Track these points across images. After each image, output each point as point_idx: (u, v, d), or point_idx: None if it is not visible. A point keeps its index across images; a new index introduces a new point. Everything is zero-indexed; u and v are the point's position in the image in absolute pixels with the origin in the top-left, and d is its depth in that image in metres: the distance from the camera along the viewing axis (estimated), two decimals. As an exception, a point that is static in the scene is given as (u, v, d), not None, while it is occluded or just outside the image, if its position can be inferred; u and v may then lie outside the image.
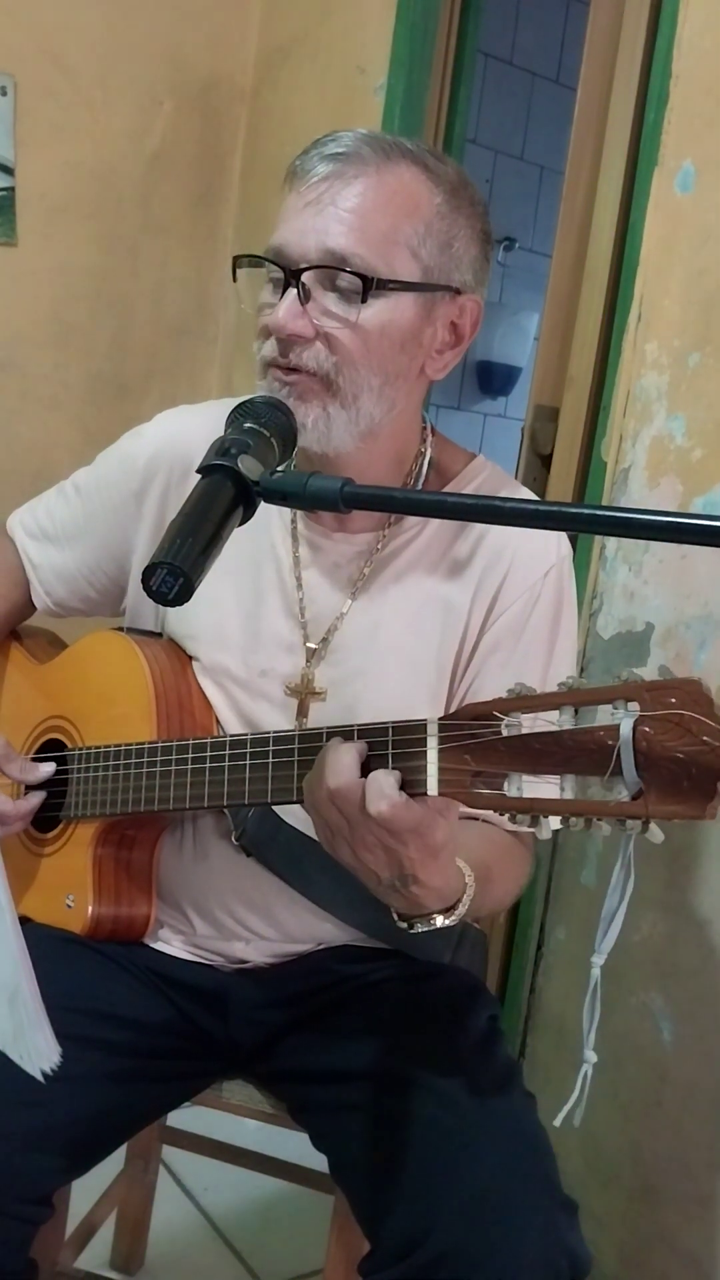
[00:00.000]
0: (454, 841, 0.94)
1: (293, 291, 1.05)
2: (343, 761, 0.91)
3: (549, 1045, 1.79)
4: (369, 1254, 1.03)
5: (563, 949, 1.77)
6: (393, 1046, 1.12)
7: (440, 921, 0.96)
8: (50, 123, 2.24)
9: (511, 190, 3.75)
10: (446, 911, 0.97)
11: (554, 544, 1.19)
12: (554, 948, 1.78)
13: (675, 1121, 1.56)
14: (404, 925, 0.98)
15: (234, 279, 1.12)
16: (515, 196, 3.77)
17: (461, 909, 0.97)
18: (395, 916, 0.98)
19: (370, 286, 1.04)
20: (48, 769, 1.22)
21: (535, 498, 1.34)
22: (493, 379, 3.95)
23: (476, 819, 1.16)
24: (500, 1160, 0.99)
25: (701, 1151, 1.53)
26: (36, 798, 1.22)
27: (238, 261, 1.12)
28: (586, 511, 0.88)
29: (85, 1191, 1.40)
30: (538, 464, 1.87)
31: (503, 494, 1.21)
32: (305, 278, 1.05)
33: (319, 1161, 1.17)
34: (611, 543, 1.67)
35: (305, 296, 1.05)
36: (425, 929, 0.97)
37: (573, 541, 1.25)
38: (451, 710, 1.17)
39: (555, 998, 1.79)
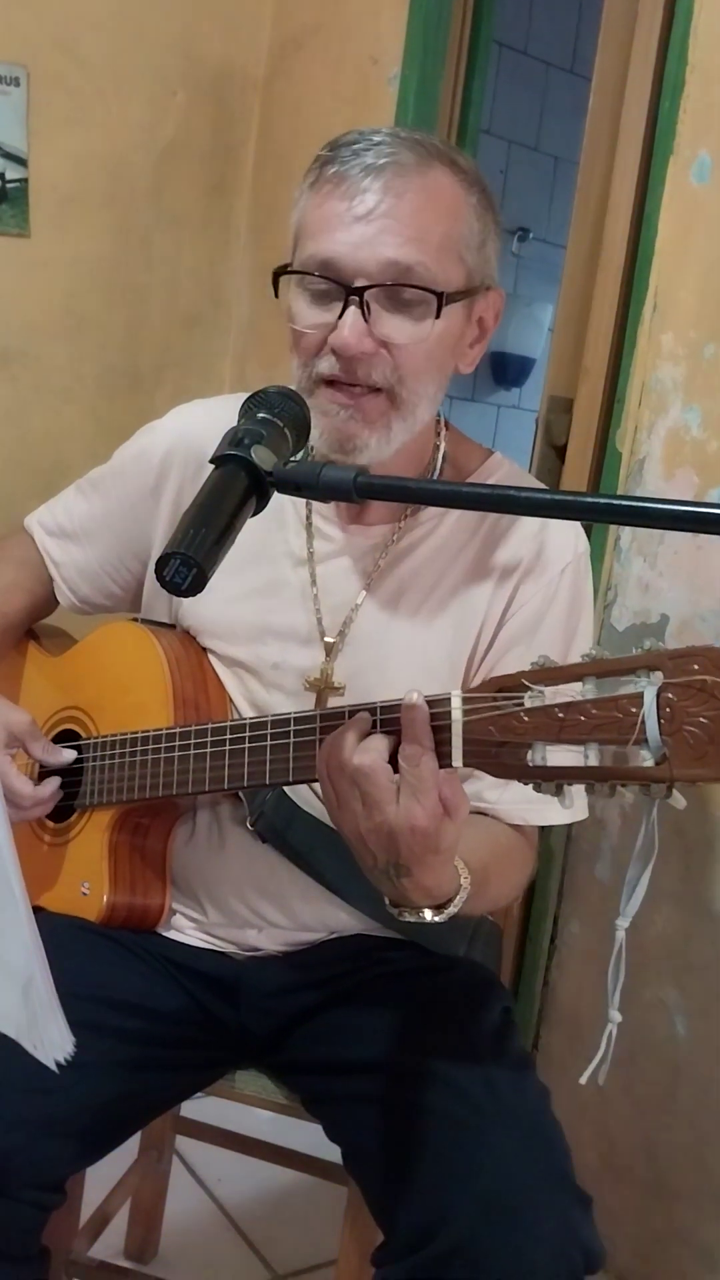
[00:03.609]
0: (456, 845, 0.94)
1: (355, 310, 1.03)
2: (373, 744, 0.91)
3: (562, 1038, 1.79)
4: (382, 1245, 1.04)
5: (576, 943, 1.77)
6: (407, 1038, 1.12)
7: (429, 916, 0.97)
8: (63, 114, 2.24)
9: (526, 181, 3.74)
10: (436, 909, 0.97)
11: (571, 540, 1.18)
12: (568, 941, 1.78)
13: (690, 1116, 1.56)
14: (393, 911, 0.98)
15: (275, 294, 1.09)
16: (530, 187, 3.76)
17: (452, 909, 0.97)
18: (386, 901, 0.99)
19: (443, 302, 1.04)
20: (69, 754, 1.22)
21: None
22: (507, 370, 3.94)
23: (484, 814, 1.16)
24: (514, 1153, 0.99)
25: (716, 1146, 1.52)
26: (54, 784, 1.21)
27: (280, 273, 1.09)
28: (603, 501, 0.88)
29: (99, 1181, 1.40)
30: (552, 455, 1.86)
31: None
32: (368, 295, 1.03)
33: (332, 1152, 1.17)
34: (626, 534, 1.66)
35: (366, 311, 1.04)
36: (413, 920, 0.97)
37: (588, 533, 1.24)
38: None
39: (569, 991, 1.78)
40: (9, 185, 2.20)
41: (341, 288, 1.04)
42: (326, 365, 1.06)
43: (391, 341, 1.05)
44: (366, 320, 1.04)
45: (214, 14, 2.38)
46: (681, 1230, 1.58)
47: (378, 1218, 1.06)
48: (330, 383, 1.07)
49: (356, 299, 1.03)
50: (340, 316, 1.04)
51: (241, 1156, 1.62)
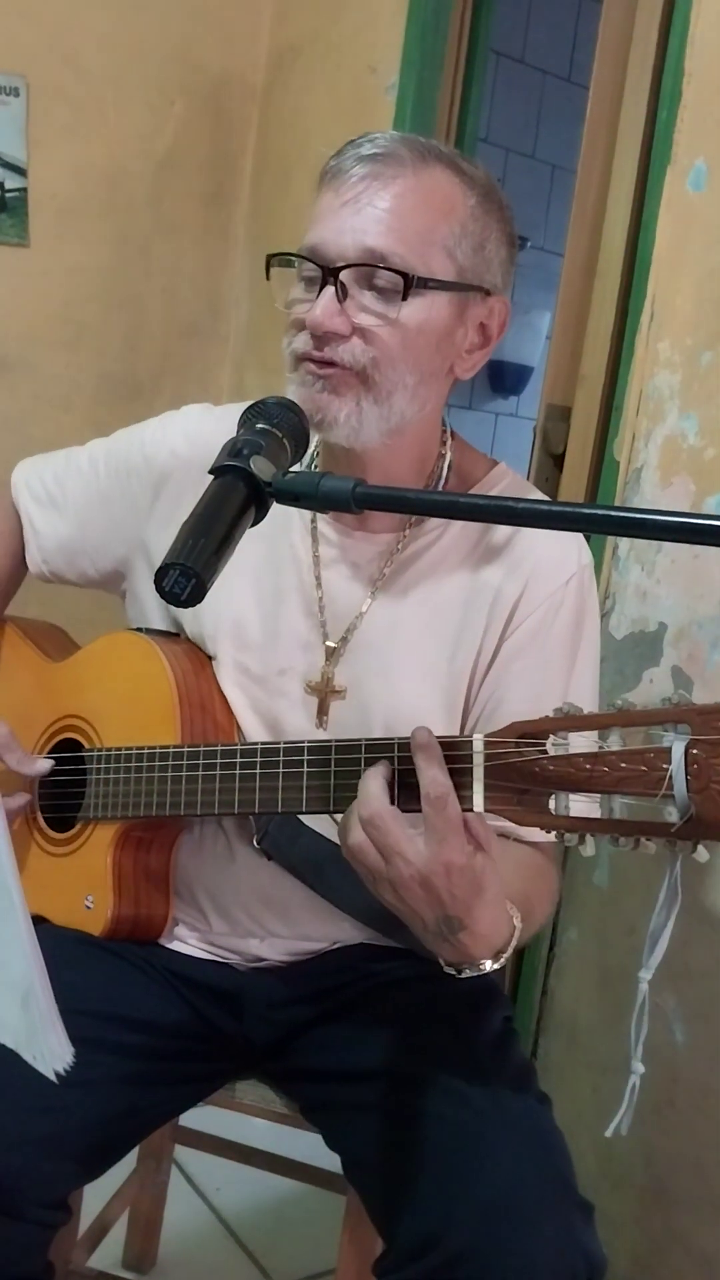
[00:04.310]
0: (499, 880, 0.93)
1: (330, 289, 1.05)
2: (371, 790, 0.91)
3: (561, 1046, 1.78)
4: (383, 1254, 1.03)
5: (575, 950, 1.76)
6: (407, 1046, 1.12)
7: (489, 967, 0.96)
8: (62, 123, 2.24)
9: (523, 189, 3.74)
10: (494, 956, 0.96)
11: (575, 551, 1.19)
12: (566, 948, 1.78)
13: (688, 1123, 1.56)
14: (450, 971, 0.97)
15: (267, 277, 1.12)
16: (527, 195, 3.76)
17: (509, 952, 0.97)
18: (442, 963, 0.97)
19: (410, 284, 1.05)
20: (45, 764, 1.23)
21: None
22: (504, 378, 3.94)
23: (507, 837, 1.15)
24: (515, 1161, 0.99)
25: (714, 1153, 1.52)
26: (24, 798, 1.23)
27: (271, 260, 1.12)
28: (600, 512, 0.88)
29: (98, 1191, 1.40)
30: (550, 464, 1.86)
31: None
32: (343, 276, 1.05)
33: (332, 1161, 1.17)
34: (624, 542, 1.66)
35: (343, 294, 1.06)
36: (473, 974, 0.96)
37: (586, 542, 1.24)
38: (469, 715, 1.17)
39: (567, 999, 1.78)
40: (8, 195, 2.20)
41: (325, 271, 1.06)
42: (301, 342, 1.09)
43: (362, 322, 1.06)
44: (341, 301, 1.06)
45: (212, 24, 2.38)
46: (680, 1236, 1.57)
47: (378, 1227, 1.06)
48: (310, 359, 1.09)
49: (332, 279, 1.05)
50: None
51: (240, 1166, 1.62)
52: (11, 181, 2.20)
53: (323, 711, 1.17)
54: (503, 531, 1.18)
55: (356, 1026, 1.17)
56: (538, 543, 1.17)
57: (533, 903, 1.06)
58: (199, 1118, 1.45)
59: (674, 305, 1.60)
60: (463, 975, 0.96)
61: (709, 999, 1.53)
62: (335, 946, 1.23)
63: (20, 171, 2.20)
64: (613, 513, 0.88)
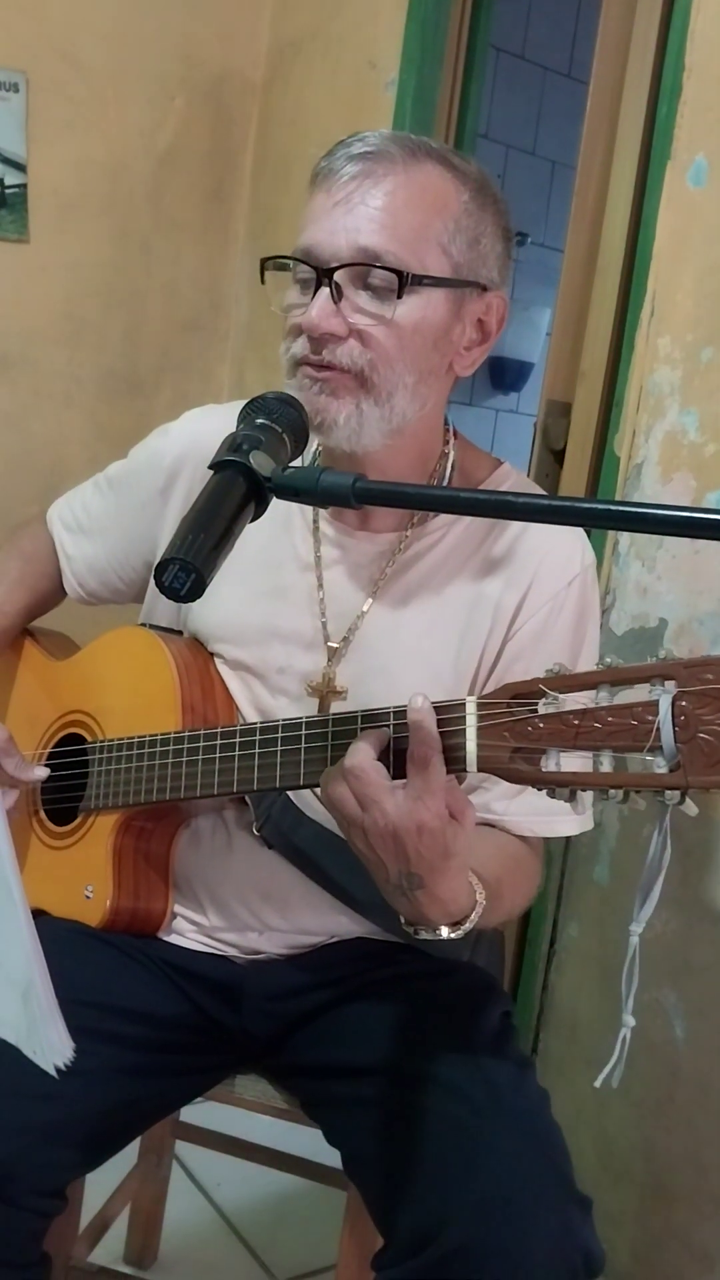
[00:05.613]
0: (468, 853, 0.94)
1: (325, 290, 1.05)
2: (360, 745, 0.92)
3: (562, 1041, 1.79)
4: (382, 1249, 1.04)
5: (575, 946, 1.77)
6: (407, 1042, 1.12)
7: (445, 934, 0.97)
8: (62, 119, 2.24)
9: (523, 185, 3.74)
10: (453, 925, 0.97)
11: (579, 553, 1.18)
12: (566, 944, 1.78)
13: (688, 1118, 1.56)
14: (409, 929, 0.98)
15: (262, 281, 1.12)
16: (527, 191, 3.76)
17: (468, 925, 0.98)
18: (402, 920, 0.99)
19: (405, 282, 1.05)
20: (42, 772, 1.24)
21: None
22: (505, 374, 3.94)
23: (491, 825, 1.16)
24: (514, 1156, 0.99)
25: (714, 1149, 1.52)
26: (13, 795, 1.23)
27: (265, 264, 1.12)
28: (600, 506, 0.88)
29: (99, 1186, 1.40)
30: (550, 459, 1.86)
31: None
32: (338, 276, 1.05)
33: (332, 1157, 1.17)
34: (625, 539, 1.66)
35: (338, 295, 1.05)
36: (429, 938, 0.97)
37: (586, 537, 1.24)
38: None
39: (568, 994, 1.78)
40: (8, 190, 2.20)
41: (319, 272, 1.06)
42: (299, 346, 1.08)
43: (358, 323, 1.06)
44: (337, 302, 1.05)
45: (212, 20, 2.38)
46: (679, 1232, 1.58)
47: (378, 1222, 1.06)
48: (308, 363, 1.08)
49: (327, 280, 1.05)
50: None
51: (241, 1161, 1.62)
52: (11, 177, 2.20)
53: (323, 711, 1.17)
54: (506, 533, 1.17)
55: (355, 1021, 1.17)
56: (541, 544, 1.17)
57: (504, 888, 1.06)
58: (199, 1113, 1.45)
59: (674, 301, 1.60)
60: (419, 937, 0.97)
61: (709, 994, 1.53)
62: (333, 940, 1.23)
63: (20, 167, 2.20)
64: (613, 507, 0.88)
